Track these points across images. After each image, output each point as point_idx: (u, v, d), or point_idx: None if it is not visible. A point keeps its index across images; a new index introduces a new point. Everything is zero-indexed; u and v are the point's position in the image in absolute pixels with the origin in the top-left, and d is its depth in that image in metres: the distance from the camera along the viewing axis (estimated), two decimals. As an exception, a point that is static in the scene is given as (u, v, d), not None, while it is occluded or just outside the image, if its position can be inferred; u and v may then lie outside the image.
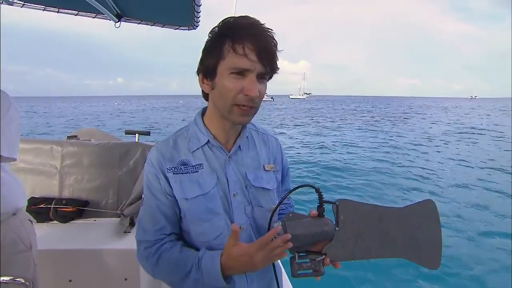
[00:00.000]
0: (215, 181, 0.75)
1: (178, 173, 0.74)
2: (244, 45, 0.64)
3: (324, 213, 0.65)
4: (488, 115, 30.91)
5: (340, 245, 0.64)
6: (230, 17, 0.69)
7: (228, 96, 0.68)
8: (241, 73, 0.66)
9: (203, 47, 0.72)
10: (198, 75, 0.75)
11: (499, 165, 8.24)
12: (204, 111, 0.82)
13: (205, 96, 0.78)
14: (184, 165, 0.75)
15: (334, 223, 0.65)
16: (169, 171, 0.74)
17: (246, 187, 0.77)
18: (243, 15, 0.69)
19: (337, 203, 0.64)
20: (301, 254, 0.66)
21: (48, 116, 29.13)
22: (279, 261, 0.90)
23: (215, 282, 0.68)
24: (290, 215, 0.65)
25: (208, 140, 0.76)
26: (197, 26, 1.90)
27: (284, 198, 0.70)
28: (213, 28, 0.70)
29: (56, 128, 17.84)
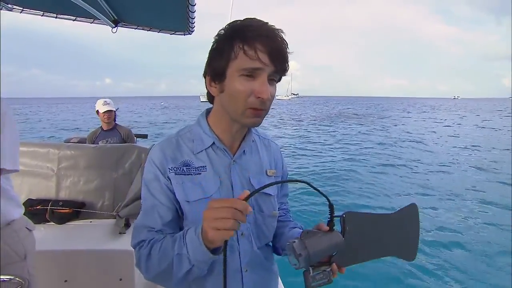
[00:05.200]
0: (217, 185, 0.73)
1: (180, 174, 0.71)
2: (256, 46, 0.61)
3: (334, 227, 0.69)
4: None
5: (346, 252, 0.69)
6: (237, 20, 0.66)
7: (239, 99, 0.64)
8: (251, 74, 0.63)
9: (210, 49, 0.69)
10: (204, 78, 0.72)
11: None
12: (208, 112, 0.79)
13: (211, 99, 0.75)
14: (187, 166, 0.72)
15: (341, 233, 0.68)
16: (171, 171, 0.71)
17: None
18: (250, 17, 0.66)
19: (344, 216, 0.68)
20: (312, 266, 0.69)
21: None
22: (276, 266, 0.88)
23: (199, 254, 0.61)
24: (306, 232, 0.68)
25: (213, 142, 0.74)
26: (193, 31, 1.95)
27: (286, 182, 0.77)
28: (220, 31, 0.68)
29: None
